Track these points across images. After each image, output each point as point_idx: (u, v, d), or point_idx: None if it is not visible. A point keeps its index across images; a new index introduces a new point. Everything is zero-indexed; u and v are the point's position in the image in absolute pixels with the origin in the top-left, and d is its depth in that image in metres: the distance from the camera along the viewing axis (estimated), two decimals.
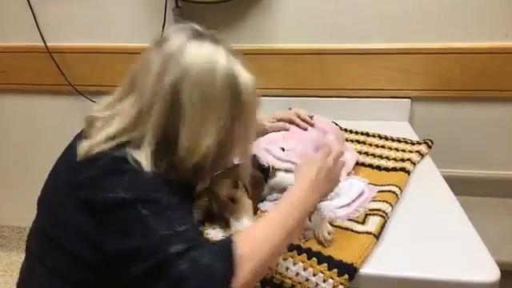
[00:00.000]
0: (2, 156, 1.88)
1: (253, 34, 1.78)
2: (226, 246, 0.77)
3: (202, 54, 0.88)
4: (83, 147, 0.86)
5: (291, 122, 1.28)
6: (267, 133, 1.28)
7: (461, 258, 0.95)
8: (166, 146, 0.87)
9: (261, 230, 0.82)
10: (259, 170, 1.15)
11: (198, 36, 0.93)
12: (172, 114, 0.85)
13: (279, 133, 1.27)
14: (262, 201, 1.15)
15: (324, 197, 0.97)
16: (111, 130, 0.87)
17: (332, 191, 1.00)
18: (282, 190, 1.13)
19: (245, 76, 0.92)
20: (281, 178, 1.14)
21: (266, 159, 1.16)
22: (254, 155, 1.16)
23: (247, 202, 1.04)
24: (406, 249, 0.98)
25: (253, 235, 0.81)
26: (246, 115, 0.92)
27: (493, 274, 0.90)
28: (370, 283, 0.92)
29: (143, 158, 0.85)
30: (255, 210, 1.09)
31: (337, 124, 1.49)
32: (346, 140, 1.48)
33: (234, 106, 0.89)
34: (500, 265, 0.92)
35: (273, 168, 1.15)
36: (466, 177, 1.80)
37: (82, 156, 0.86)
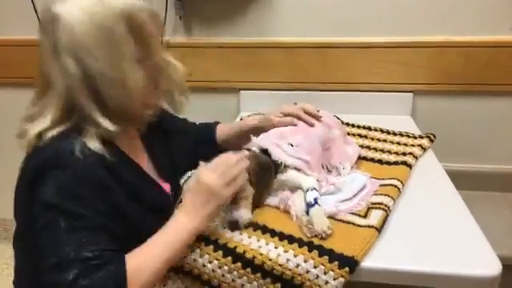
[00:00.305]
0: (3, 149, 1.89)
1: (254, 27, 1.78)
2: (119, 274, 0.81)
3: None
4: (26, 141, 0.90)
5: (298, 118, 1.27)
6: (274, 127, 1.27)
7: (462, 252, 0.95)
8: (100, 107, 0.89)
9: (151, 254, 0.87)
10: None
11: None
12: (89, 82, 0.87)
13: (286, 128, 1.26)
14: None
15: (214, 216, 0.97)
16: (45, 124, 0.89)
17: (219, 207, 0.96)
18: (290, 187, 1.14)
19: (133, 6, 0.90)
20: (290, 176, 1.14)
21: (278, 155, 1.15)
22: (265, 150, 1.15)
23: (248, 192, 1.04)
24: (407, 242, 0.98)
25: (143, 259, 0.85)
26: (150, 41, 0.94)
27: (494, 267, 0.90)
28: (372, 276, 0.92)
29: (92, 141, 0.88)
30: (259, 200, 1.09)
31: (338, 118, 1.48)
32: (348, 134, 1.48)
33: (135, 37, 0.90)
34: (501, 259, 0.91)
35: (284, 165, 1.15)
36: (468, 171, 1.79)
37: (28, 146, 0.90)
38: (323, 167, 1.23)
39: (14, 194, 0.93)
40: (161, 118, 1.12)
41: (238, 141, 1.25)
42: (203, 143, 1.31)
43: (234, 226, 1.01)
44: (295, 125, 1.26)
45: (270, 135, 1.23)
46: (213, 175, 0.93)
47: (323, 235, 0.95)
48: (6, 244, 2.17)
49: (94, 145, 0.88)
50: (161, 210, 1.01)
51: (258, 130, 1.26)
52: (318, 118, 1.28)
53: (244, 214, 1.02)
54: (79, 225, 0.83)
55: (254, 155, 1.10)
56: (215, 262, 0.94)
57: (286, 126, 1.26)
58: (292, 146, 1.18)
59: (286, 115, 1.28)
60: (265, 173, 1.10)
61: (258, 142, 1.19)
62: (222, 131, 1.33)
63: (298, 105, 1.31)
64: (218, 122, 1.38)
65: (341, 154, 1.27)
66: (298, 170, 1.15)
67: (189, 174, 1.25)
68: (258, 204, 1.09)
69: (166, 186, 1.11)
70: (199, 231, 0.93)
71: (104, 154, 0.89)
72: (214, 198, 0.92)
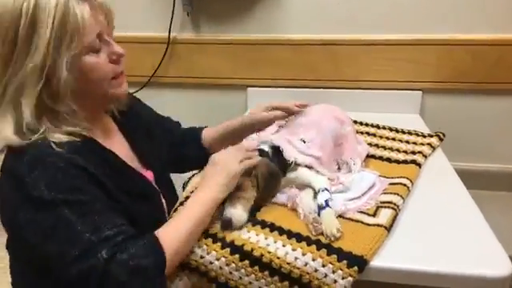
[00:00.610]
0: None
1: (262, 24, 1.77)
2: (152, 242, 0.86)
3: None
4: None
5: (287, 111, 1.25)
6: (269, 123, 1.25)
7: (472, 252, 0.94)
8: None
9: (176, 225, 0.93)
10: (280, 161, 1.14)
11: None
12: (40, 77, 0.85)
13: (298, 123, 1.25)
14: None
15: (230, 186, 1.00)
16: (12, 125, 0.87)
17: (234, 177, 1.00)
18: (298, 185, 1.14)
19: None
20: (300, 174, 1.14)
21: (289, 153, 1.15)
22: (278, 147, 1.15)
23: (250, 194, 1.03)
24: (417, 242, 0.97)
25: (171, 229, 0.91)
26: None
27: (505, 268, 0.89)
28: (381, 276, 0.91)
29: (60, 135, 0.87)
30: (262, 203, 1.09)
31: None
32: (356, 132, 1.46)
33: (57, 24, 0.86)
34: None
35: (295, 163, 1.14)
36: (477, 170, 1.78)
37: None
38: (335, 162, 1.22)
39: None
40: (137, 106, 1.17)
41: (226, 142, 1.22)
42: (188, 145, 1.30)
43: (227, 224, 0.98)
44: (284, 117, 1.24)
45: (281, 132, 1.23)
46: (225, 153, 1.04)
47: (332, 238, 0.94)
48: None
49: (66, 139, 0.88)
50: (145, 197, 1.03)
51: (245, 129, 1.25)
52: (304, 105, 1.27)
53: (239, 214, 1.00)
54: (85, 210, 0.83)
55: (266, 162, 1.09)
56: (223, 259, 0.94)
57: (275, 119, 1.24)
58: (304, 142, 1.18)
59: (274, 109, 1.25)
60: (273, 180, 1.09)
61: (270, 138, 1.19)
62: (208, 135, 1.31)
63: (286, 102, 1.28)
64: (205, 126, 1.35)
65: (352, 151, 1.26)
66: (310, 167, 1.14)
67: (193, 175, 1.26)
68: (260, 205, 1.08)
69: (149, 174, 1.10)
70: (219, 199, 0.98)
71: (78, 146, 0.89)
72: (226, 169, 1.00)
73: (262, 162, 1.07)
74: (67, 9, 0.84)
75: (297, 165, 1.14)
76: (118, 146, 1.07)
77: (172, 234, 0.90)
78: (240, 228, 0.99)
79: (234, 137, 1.25)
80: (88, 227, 0.81)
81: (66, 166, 0.85)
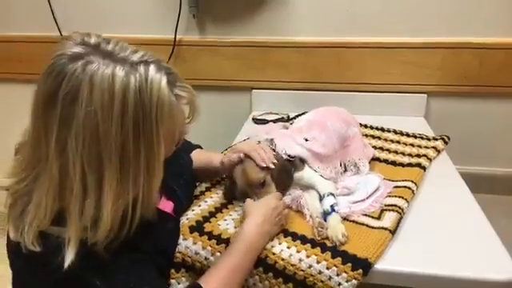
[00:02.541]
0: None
1: (268, 26, 1.77)
2: None
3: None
4: (15, 238, 0.79)
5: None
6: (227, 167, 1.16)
7: (477, 256, 0.94)
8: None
9: (222, 275, 0.87)
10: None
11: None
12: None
13: (304, 123, 1.27)
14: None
15: (271, 238, 0.97)
16: (31, 224, 0.77)
17: (278, 232, 0.99)
18: (302, 186, 1.14)
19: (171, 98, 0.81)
20: (306, 175, 1.14)
21: (286, 146, 1.15)
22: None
23: (273, 189, 1.07)
24: (421, 245, 0.97)
25: (215, 283, 0.85)
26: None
27: (509, 272, 0.89)
28: (385, 279, 0.92)
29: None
30: None
31: None
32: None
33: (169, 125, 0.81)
34: None
35: (301, 161, 1.15)
36: (483, 174, 1.77)
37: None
38: (341, 165, 1.22)
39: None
40: None
41: (204, 173, 1.21)
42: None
43: None
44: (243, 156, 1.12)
45: (288, 131, 1.25)
46: (263, 207, 0.99)
47: (337, 243, 0.94)
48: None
49: None
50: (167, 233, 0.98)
51: (225, 171, 1.18)
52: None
53: None
54: (111, 273, 0.78)
55: (283, 162, 1.11)
56: None
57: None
58: (307, 140, 1.18)
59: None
60: (286, 175, 1.11)
61: (265, 132, 1.22)
62: (199, 158, 1.25)
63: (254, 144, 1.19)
64: (198, 146, 1.33)
65: (360, 152, 1.27)
66: (304, 161, 1.15)
67: None
68: None
69: (168, 205, 1.04)
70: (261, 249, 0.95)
71: None
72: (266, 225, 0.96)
73: (278, 160, 1.09)
74: (171, 112, 0.79)
75: (302, 163, 1.15)
76: None
77: (215, 283, 0.85)
78: None
79: (212, 173, 1.22)
80: None
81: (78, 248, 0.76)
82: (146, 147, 0.76)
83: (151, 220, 0.85)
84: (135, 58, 0.76)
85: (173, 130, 0.83)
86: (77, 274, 0.74)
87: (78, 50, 0.74)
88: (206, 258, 0.97)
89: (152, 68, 0.76)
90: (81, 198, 0.74)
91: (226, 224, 1.04)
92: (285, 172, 1.11)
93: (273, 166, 1.06)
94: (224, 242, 0.97)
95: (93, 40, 0.76)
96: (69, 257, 0.73)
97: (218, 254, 0.95)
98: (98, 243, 0.75)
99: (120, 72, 0.73)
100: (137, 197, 0.78)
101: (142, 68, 0.75)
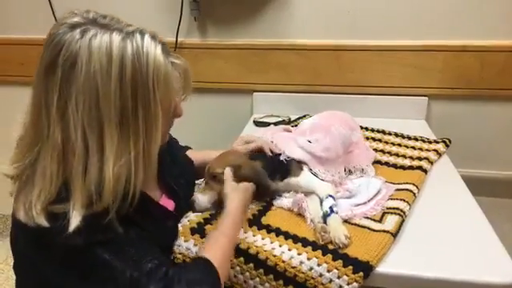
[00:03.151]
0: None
1: (269, 29, 1.77)
2: (207, 266, 0.85)
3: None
4: (22, 216, 0.79)
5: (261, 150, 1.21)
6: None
7: (478, 259, 0.93)
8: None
9: (222, 247, 0.92)
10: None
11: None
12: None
13: (306, 126, 1.28)
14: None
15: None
16: (39, 196, 0.78)
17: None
18: (300, 191, 1.13)
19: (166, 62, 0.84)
20: (303, 180, 1.14)
21: (286, 148, 1.15)
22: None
23: (220, 187, 1.07)
24: (422, 248, 0.97)
25: (218, 252, 0.90)
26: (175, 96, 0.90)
27: (510, 275, 0.88)
28: (386, 282, 0.91)
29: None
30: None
31: None
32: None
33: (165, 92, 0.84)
34: None
35: (298, 165, 1.15)
36: (484, 177, 1.77)
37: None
38: (345, 170, 1.22)
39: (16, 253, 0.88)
40: None
41: (200, 170, 1.22)
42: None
43: (191, 205, 1.08)
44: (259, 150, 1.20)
45: (291, 133, 1.26)
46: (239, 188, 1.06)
47: (341, 245, 0.94)
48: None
49: None
50: (162, 226, 0.98)
51: None
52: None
53: (203, 200, 1.08)
54: (119, 246, 0.79)
55: (249, 163, 1.12)
56: None
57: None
58: (310, 142, 1.18)
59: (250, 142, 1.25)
60: (257, 176, 1.11)
61: (271, 136, 1.22)
62: (193, 157, 1.27)
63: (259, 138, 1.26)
64: (188, 147, 1.34)
65: (365, 157, 1.27)
66: (304, 163, 1.15)
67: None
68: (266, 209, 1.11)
69: (168, 203, 1.05)
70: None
71: None
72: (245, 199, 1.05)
73: (249, 165, 1.10)
74: (168, 78, 0.82)
75: (299, 166, 1.15)
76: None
77: (219, 257, 0.88)
78: (201, 211, 1.08)
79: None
80: (126, 263, 0.77)
81: (84, 214, 0.77)
82: (144, 110, 0.78)
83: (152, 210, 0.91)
84: (130, 28, 0.80)
85: (169, 97, 0.85)
86: (85, 248, 0.76)
87: (76, 19, 0.78)
88: None
89: (147, 36, 0.80)
90: (83, 159, 0.76)
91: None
92: (257, 178, 1.10)
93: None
94: None
95: (91, 15, 0.81)
96: (74, 222, 0.74)
97: None
98: (103, 215, 0.77)
99: (117, 37, 0.76)
100: (137, 161, 0.79)
101: (138, 35, 0.79)
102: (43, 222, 0.75)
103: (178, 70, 0.87)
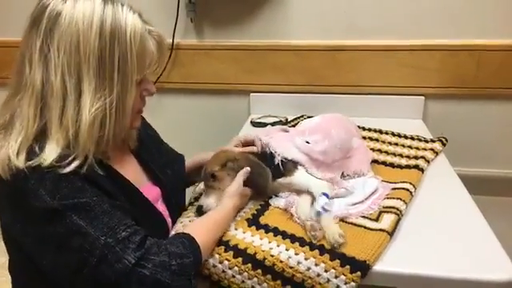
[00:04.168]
0: None
1: (265, 30, 1.78)
2: (190, 242, 0.87)
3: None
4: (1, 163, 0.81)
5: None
6: None
7: (475, 257, 0.94)
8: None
9: (207, 227, 0.96)
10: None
11: None
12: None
13: (306, 127, 1.28)
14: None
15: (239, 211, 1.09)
16: (17, 140, 0.82)
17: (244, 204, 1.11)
18: (296, 190, 1.14)
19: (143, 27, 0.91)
20: (298, 178, 1.14)
21: (282, 149, 1.15)
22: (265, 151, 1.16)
23: (224, 186, 1.09)
24: (419, 246, 0.97)
25: (202, 230, 0.94)
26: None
27: (507, 272, 0.89)
28: (383, 280, 0.91)
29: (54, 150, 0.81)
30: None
31: None
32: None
33: (140, 59, 0.90)
34: None
35: (292, 164, 1.15)
36: (481, 175, 1.77)
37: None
38: (343, 175, 1.22)
39: None
40: (143, 123, 1.13)
41: (193, 173, 1.26)
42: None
43: (199, 210, 1.07)
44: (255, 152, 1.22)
45: (289, 133, 1.26)
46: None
47: (335, 245, 0.94)
48: None
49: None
50: (146, 216, 0.98)
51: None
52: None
53: (209, 203, 1.07)
54: (93, 213, 0.80)
55: (246, 156, 1.13)
56: (226, 262, 0.94)
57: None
58: (308, 143, 1.18)
59: (244, 144, 1.28)
60: (258, 171, 1.12)
61: (264, 135, 1.23)
62: (187, 160, 1.30)
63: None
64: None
65: (365, 163, 1.27)
66: (300, 165, 1.15)
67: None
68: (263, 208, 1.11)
69: (155, 190, 1.07)
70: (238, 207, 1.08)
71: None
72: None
73: (243, 157, 1.12)
74: (144, 39, 0.89)
75: (294, 168, 1.14)
76: (126, 159, 1.05)
77: (203, 236, 0.91)
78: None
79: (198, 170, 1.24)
80: (101, 230, 0.79)
81: (64, 173, 0.80)
82: (120, 61, 0.85)
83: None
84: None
85: (144, 57, 0.90)
86: (59, 212, 0.78)
87: None
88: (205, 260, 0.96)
89: (126, 6, 0.88)
90: (61, 101, 0.82)
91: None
92: (256, 175, 1.11)
93: None
94: (223, 244, 0.97)
95: None
96: (50, 157, 0.79)
97: (217, 255, 0.95)
98: (77, 177, 0.81)
99: (99, 0, 0.85)
100: (111, 108, 0.85)
101: (118, 3, 0.87)
102: (19, 164, 0.79)
103: (154, 37, 0.93)
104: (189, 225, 0.98)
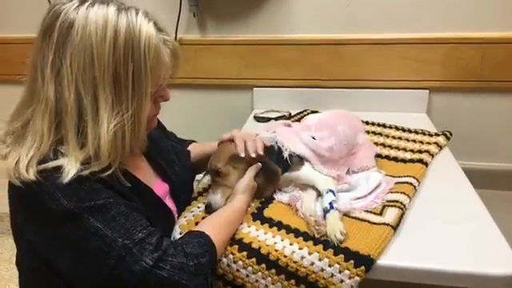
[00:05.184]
0: None
1: (268, 24, 1.77)
2: (206, 240, 0.88)
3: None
4: (9, 172, 0.80)
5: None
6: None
7: (479, 251, 0.94)
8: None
9: (221, 224, 0.97)
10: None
11: None
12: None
13: (312, 122, 1.28)
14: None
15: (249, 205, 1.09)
16: (28, 153, 0.80)
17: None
18: (299, 185, 1.14)
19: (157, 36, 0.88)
20: (304, 173, 1.14)
21: (289, 144, 1.15)
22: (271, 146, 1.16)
23: (231, 181, 1.08)
24: (423, 241, 0.97)
25: (216, 228, 0.94)
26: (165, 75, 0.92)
27: (511, 266, 0.89)
28: (387, 275, 0.92)
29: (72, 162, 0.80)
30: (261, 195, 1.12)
31: None
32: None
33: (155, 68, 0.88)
34: None
35: (299, 160, 1.15)
36: (485, 169, 1.77)
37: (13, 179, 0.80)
38: (348, 171, 1.21)
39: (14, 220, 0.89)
40: None
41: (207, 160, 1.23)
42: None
43: (208, 208, 1.06)
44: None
45: (296, 127, 1.26)
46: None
47: (336, 242, 0.94)
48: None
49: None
50: (155, 211, 0.98)
51: None
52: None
53: (217, 199, 1.06)
54: (109, 215, 0.80)
55: (265, 161, 1.11)
56: (231, 256, 0.95)
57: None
58: (314, 138, 1.18)
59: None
60: (269, 174, 1.11)
61: (268, 130, 1.23)
62: (194, 151, 1.30)
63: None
64: (193, 141, 1.36)
65: (369, 159, 1.27)
66: (307, 160, 1.14)
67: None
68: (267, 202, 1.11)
69: (163, 187, 1.07)
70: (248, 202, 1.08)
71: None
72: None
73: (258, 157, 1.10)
74: (158, 51, 0.86)
75: (301, 163, 1.14)
76: (136, 161, 1.04)
77: (219, 235, 0.92)
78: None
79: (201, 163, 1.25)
80: (118, 232, 0.79)
81: (80, 175, 0.79)
82: (135, 76, 0.82)
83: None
84: (126, 5, 0.85)
85: (159, 69, 0.87)
86: (76, 214, 0.77)
87: None
88: None
89: (141, 14, 0.85)
90: (76, 118, 0.80)
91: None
92: (265, 171, 1.10)
93: (254, 155, 1.08)
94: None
95: None
96: (69, 175, 0.77)
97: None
98: (93, 180, 0.80)
99: (113, 9, 0.82)
100: (128, 123, 0.83)
101: (132, 10, 0.84)
102: (30, 177, 0.77)
103: (169, 47, 0.90)
104: (204, 222, 0.98)
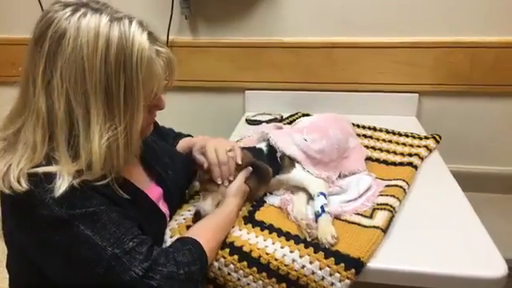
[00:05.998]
0: None
1: (260, 27, 1.78)
2: (198, 247, 0.88)
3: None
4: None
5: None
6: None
7: (468, 253, 0.95)
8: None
9: (212, 229, 0.96)
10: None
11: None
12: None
13: (304, 125, 1.29)
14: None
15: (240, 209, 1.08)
16: (18, 164, 0.79)
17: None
18: (292, 187, 1.14)
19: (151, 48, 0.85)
20: (295, 176, 1.14)
21: (282, 144, 1.16)
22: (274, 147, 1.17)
23: (222, 189, 1.07)
24: (413, 243, 0.98)
25: (207, 233, 0.94)
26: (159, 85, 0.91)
27: (500, 269, 0.90)
28: (378, 277, 0.92)
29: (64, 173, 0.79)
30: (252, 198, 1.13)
31: None
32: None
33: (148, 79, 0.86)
34: (508, 262, 0.91)
35: (290, 161, 1.15)
36: (474, 172, 1.79)
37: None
38: (340, 176, 1.22)
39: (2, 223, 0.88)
40: None
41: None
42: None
43: (197, 215, 1.05)
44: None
45: (288, 130, 1.28)
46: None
47: (327, 246, 0.94)
48: None
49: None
50: (148, 216, 0.97)
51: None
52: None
53: (206, 206, 1.06)
54: (100, 223, 0.79)
55: (251, 158, 1.12)
56: (222, 260, 0.95)
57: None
58: (306, 140, 1.19)
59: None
60: (260, 174, 1.11)
61: (261, 130, 1.24)
62: (181, 146, 1.29)
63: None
64: (188, 135, 1.36)
65: (360, 162, 1.28)
66: (297, 162, 1.15)
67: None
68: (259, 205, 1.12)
69: (157, 191, 1.06)
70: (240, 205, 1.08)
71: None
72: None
73: (247, 158, 1.10)
74: (151, 64, 0.84)
75: (291, 163, 1.15)
76: (130, 165, 1.00)
77: (210, 242, 0.92)
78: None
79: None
80: (108, 241, 0.78)
81: (71, 183, 0.78)
82: (127, 90, 0.80)
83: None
84: (120, 14, 0.83)
85: (152, 82, 0.85)
86: (67, 221, 0.77)
87: (70, 0, 0.82)
88: None
89: (134, 23, 0.82)
90: (67, 130, 0.79)
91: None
92: (257, 172, 1.11)
93: (226, 184, 1.08)
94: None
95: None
96: (62, 187, 0.76)
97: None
98: (85, 188, 0.79)
99: (105, 19, 0.79)
100: (120, 137, 0.81)
101: (126, 20, 0.82)
102: (21, 186, 0.76)
103: (163, 58, 0.87)
104: (195, 228, 0.97)
